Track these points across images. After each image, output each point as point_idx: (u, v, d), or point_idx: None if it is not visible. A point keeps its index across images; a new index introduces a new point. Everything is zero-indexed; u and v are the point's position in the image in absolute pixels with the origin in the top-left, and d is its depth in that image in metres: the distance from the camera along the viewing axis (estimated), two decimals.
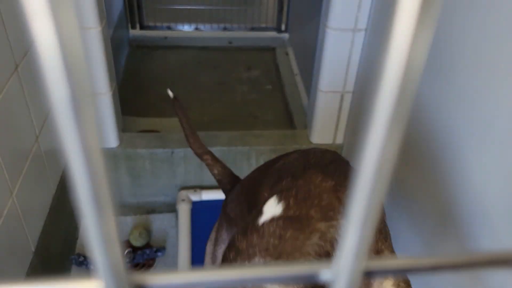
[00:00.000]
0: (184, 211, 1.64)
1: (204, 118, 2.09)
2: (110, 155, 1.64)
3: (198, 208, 1.67)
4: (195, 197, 1.70)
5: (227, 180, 1.25)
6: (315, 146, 1.73)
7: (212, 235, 1.18)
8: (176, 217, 1.67)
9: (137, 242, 1.56)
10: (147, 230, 1.60)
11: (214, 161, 1.27)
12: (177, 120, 2.05)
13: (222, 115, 2.13)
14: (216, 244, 1.13)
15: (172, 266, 1.52)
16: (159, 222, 1.68)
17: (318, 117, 1.67)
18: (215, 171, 1.27)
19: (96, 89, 1.47)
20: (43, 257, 1.29)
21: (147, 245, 1.58)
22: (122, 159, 1.66)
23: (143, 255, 1.52)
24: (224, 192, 1.25)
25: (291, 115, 2.09)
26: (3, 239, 1.06)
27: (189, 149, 1.69)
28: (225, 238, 1.09)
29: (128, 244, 1.58)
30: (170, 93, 1.34)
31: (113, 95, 1.50)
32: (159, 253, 1.54)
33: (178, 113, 1.33)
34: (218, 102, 2.21)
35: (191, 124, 1.33)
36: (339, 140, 1.72)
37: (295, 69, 2.34)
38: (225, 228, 1.10)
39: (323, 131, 1.71)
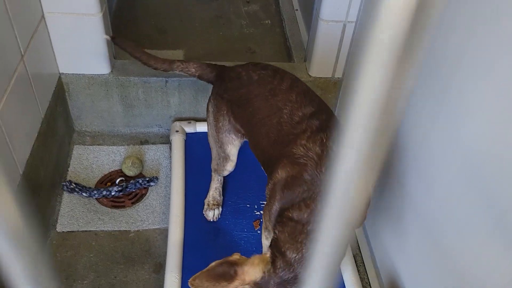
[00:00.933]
0: (178, 142, 1.61)
1: (200, 51, 2.01)
2: (102, 82, 1.59)
3: (192, 140, 1.64)
4: (189, 128, 1.67)
5: (207, 71, 1.26)
6: (313, 79, 1.67)
7: (211, 120, 1.22)
8: (170, 148, 1.65)
9: (130, 171, 1.54)
10: (140, 160, 1.57)
11: (185, 63, 1.28)
12: (171, 52, 1.98)
13: (219, 49, 2.05)
14: (218, 131, 1.19)
15: (165, 196, 1.51)
16: (152, 152, 1.66)
17: (318, 49, 1.60)
18: (192, 70, 1.27)
19: (86, 10, 1.39)
20: (32, 181, 1.27)
21: (140, 175, 1.56)
22: (114, 87, 1.60)
23: (135, 184, 1.51)
24: (212, 83, 1.26)
25: (290, 50, 2.01)
26: None
27: (184, 79, 1.63)
28: (227, 128, 1.17)
29: (121, 173, 1.56)
30: (106, 37, 1.36)
31: (104, 17, 1.42)
32: (151, 183, 1.53)
33: (126, 48, 1.32)
34: (215, 36, 2.12)
35: (142, 50, 1.31)
36: (339, 73, 1.66)
37: (296, 4, 2.23)
38: (226, 119, 1.16)
39: (322, 64, 1.64)
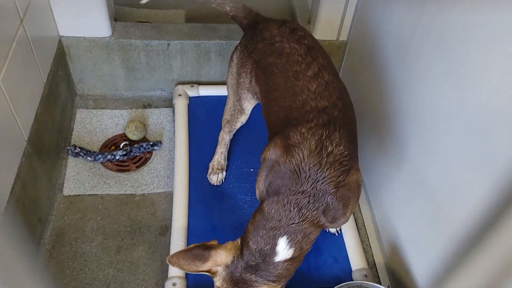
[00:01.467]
0: (181, 106, 1.61)
1: (202, 10, 1.96)
2: (103, 45, 1.56)
3: (195, 104, 1.64)
4: (192, 92, 1.66)
5: (241, 16, 1.24)
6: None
7: (233, 71, 1.21)
8: (173, 112, 1.64)
9: (133, 135, 1.54)
10: (143, 124, 1.57)
11: None
12: (173, 12, 1.93)
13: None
14: (238, 86, 1.19)
15: (169, 160, 1.52)
16: (155, 116, 1.66)
17: (323, 10, 1.56)
18: (227, 8, 1.25)
19: None
20: (37, 147, 1.27)
21: (144, 139, 1.57)
22: (116, 50, 1.58)
23: (139, 148, 1.52)
24: (243, 30, 1.24)
25: (293, 10, 1.96)
26: None
27: (186, 42, 1.61)
28: (247, 87, 1.17)
29: (124, 137, 1.57)
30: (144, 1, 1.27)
31: None
32: (155, 147, 1.54)
33: None
34: None
35: None
36: (344, 36, 1.63)
37: None
38: (248, 79, 1.15)
39: (327, 26, 1.61)
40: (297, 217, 0.89)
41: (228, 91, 1.27)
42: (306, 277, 1.24)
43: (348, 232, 1.33)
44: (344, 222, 0.99)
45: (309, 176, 0.89)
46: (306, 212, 0.89)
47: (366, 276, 1.23)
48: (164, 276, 1.23)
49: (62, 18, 1.47)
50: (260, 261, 0.91)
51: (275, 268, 0.92)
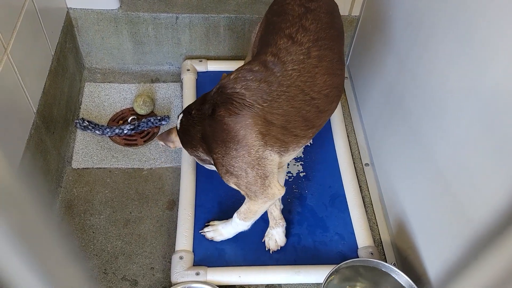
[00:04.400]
0: (189, 81, 1.59)
1: None
2: (111, 18, 1.55)
3: (203, 79, 1.62)
4: (200, 67, 1.64)
5: None
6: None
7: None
8: (181, 87, 1.63)
9: (141, 110, 1.54)
10: (151, 99, 1.57)
11: None
12: None
13: None
14: (252, 41, 1.30)
15: None
16: (163, 91, 1.65)
17: None
18: None
19: None
20: (46, 119, 1.28)
21: (152, 113, 1.57)
22: (124, 23, 1.56)
23: (147, 122, 1.52)
24: None
25: None
26: (1, 96, 1.03)
27: (195, 15, 1.58)
28: (254, 41, 1.24)
29: (132, 111, 1.57)
30: None
31: None
32: (163, 122, 1.53)
33: None
34: None
35: None
36: (356, 11, 1.60)
37: None
38: (256, 35, 1.23)
39: (339, 1, 1.57)
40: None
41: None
42: (311, 253, 1.25)
43: (355, 210, 1.33)
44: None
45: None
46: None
47: (372, 253, 1.23)
48: (171, 249, 1.25)
49: None
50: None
51: None
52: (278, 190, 1.05)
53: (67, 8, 1.50)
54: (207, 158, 1.10)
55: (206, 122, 1.02)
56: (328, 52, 1.03)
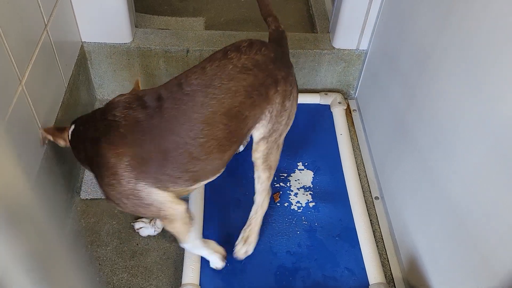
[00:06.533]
0: None
1: (221, 19, 1.98)
2: (123, 51, 1.58)
3: None
4: None
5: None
6: (337, 51, 1.64)
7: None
8: None
9: None
10: None
11: (275, 21, 1.24)
12: (192, 20, 1.95)
13: (240, 17, 2.01)
14: None
15: None
16: None
17: (343, 18, 1.56)
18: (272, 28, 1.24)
19: None
20: (57, 151, 1.29)
21: None
22: (136, 56, 1.60)
23: None
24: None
25: (313, 19, 1.96)
26: (15, 127, 1.05)
27: (205, 49, 1.62)
28: None
29: None
30: None
31: None
32: None
33: None
34: (236, 3, 2.08)
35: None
36: (364, 45, 1.62)
37: None
38: None
39: (347, 35, 1.60)
40: None
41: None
42: None
43: (366, 244, 1.30)
44: None
45: None
46: None
47: None
48: (177, 282, 1.23)
49: (85, 24, 1.49)
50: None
51: None
52: (174, 210, 1.03)
53: (81, 41, 1.54)
54: None
55: (88, 143, 1.02)
56: (214, 102, 0.97)
